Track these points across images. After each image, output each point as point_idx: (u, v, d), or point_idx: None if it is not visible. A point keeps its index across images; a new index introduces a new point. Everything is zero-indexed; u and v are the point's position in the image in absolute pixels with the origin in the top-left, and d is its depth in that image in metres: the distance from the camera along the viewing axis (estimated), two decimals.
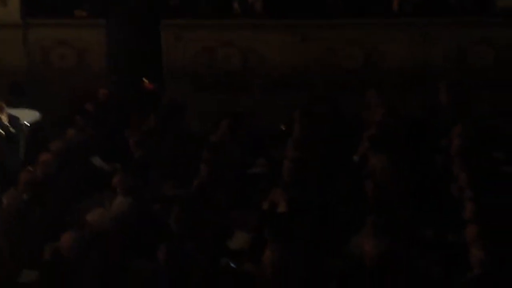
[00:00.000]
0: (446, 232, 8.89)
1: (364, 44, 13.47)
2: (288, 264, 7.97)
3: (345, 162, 10.72)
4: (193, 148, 10.87)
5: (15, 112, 11.59)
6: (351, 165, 10.58)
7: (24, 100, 12.65)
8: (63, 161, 10.39)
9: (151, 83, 13.72)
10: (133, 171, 10.07)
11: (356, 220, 8.92)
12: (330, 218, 9.33)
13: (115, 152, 11.33)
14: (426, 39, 13.32)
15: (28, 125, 11.68)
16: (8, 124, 11.26)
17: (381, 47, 13.43)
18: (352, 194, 9.67)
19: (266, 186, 9.98)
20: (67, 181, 10.20)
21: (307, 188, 9.66)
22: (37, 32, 14.00)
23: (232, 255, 8.74)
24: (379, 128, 10.78)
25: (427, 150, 10.87)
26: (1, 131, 11.19)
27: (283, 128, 11.61)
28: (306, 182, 9.79)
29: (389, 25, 13.46)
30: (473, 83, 12.64)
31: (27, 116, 11.89)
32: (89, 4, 14.05)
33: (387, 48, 13.41)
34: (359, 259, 8.07)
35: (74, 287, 8.01)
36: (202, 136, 11.32)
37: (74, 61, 13.98)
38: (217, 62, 13.67)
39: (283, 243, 8.06)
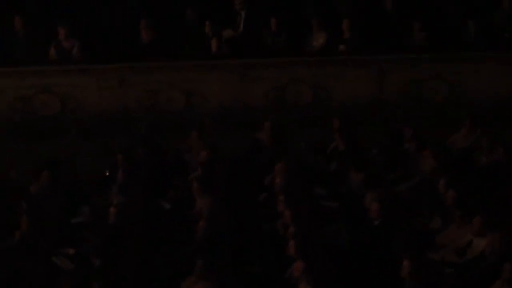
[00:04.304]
0: (274, 268, 8.99)
1: (184, 86, 13.51)
2: None
3: (172, 204, 10.69)
4: (13, 199, 10.51)
5: None
6: (179, 207, 10.55)
7: None
8: None
9: None
10: None
11: (185, 262, 8.91)
12: (159, 262, 9.27)
13: None
14: (244, 79, 13.54)
15: None
16: None
17: (200, 88, 13.53)
18: (182, 235, 9.65)
19: (90, 234, 9.79)
20: None
21: (133, 233, 9.57)
22: None
23: None
24: (203, 170, 10.83)
25: (251, 188, 10.99)
26: None
27: (107, 174, 11.41)
28: (133, 227, 9.70)
29: (208, 66, 13.57)
30: (292, 121, 12.93)
31: None
32: None
33: (207, 89, 13.52)
34: None
35: None
36: (21, 186, 10.93)
37: None
38: (34, 109, 13.30)
39: None
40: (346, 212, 10.25)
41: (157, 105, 13.49)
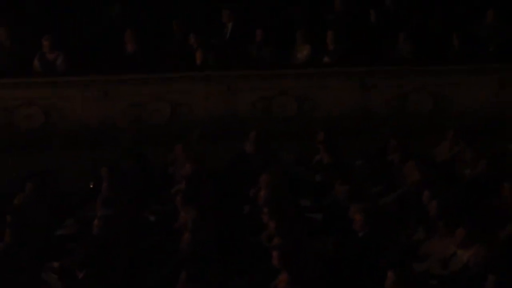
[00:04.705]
0: (258, 280, 8.99)
1: (169, 97, 13.51)
2: None
3: (157, 216, 10.67)
4: None
5: None
6: (164, 219, 10.53)
7: None
8: None
9: None
10: None
11: (170, 274, 8.89)
12: (144, 274, 9.25)
13: None
14: (230, 91, 13.56)
15: None
16: None
17: (186, 100, 13.53)
18: (166, 247, 9.62)
19: (75, 247, 9.75)
20: None
21: (118, 246, 9.55)
22: None
23: None
24: (188, 182, 10.82)
25: (235, 200, 10.99)
26: None
27: (91, 186, 11.39)
28: (117, 239, 9.67)
29: (193, 78, 13.58)
30: (277, 133, 12.95)
31: None
32: None
33: (192, 100, 13.52)
34: None
35: None
36: (5, 198, 10.90)
37: None
38: (18, 121, 13.28)
39: None
40: (330, 224, 10.25)
41: (143, 117, 13.49)
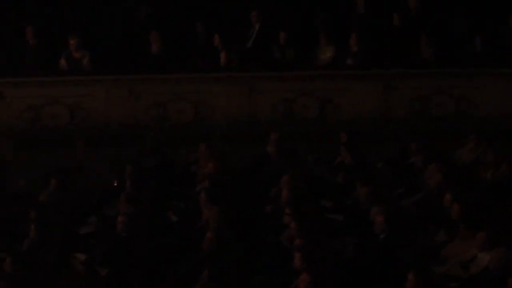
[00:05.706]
0: (279, 280, 9.03)
1: (193, 97, 13.59)
2: None
3: (179, 214, 10.74)
4: (21, 208, 10.59)
5: None
6: (186, 217, 10.60)
7: None
8: None
9: None
10: None
11: (192, 273, 8.96)
12: (166, 272, 9.32)
13: None
14: (252, 92, 13.60)
15: None
16: None
17: (210, 100, 13.59)
18: (188, 246, 9.70)
19: (97, 244, 9.85)
20: None
21: (140, 243, 9.63)
22: None
23: None
24: (210, 181, 10.89)
25: (257, 200, 11.04)
26: None
27: (115, 184, 11.49)
28: (140, 237, 9.75)
29: (217, 79, 13.65)
30: (299, 134, 12.98)
31: None
32: None
33: (216, 101, 13.58)
34: None
35: None
36: (30, 194, 11.02)
37: None
38: (43, 119, 13.39)
39: None
40: (351, 225, 10.28)
41: (166, 116, 13.56)
